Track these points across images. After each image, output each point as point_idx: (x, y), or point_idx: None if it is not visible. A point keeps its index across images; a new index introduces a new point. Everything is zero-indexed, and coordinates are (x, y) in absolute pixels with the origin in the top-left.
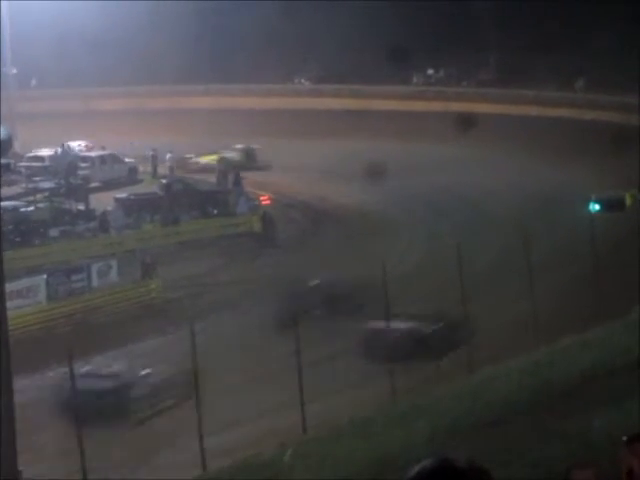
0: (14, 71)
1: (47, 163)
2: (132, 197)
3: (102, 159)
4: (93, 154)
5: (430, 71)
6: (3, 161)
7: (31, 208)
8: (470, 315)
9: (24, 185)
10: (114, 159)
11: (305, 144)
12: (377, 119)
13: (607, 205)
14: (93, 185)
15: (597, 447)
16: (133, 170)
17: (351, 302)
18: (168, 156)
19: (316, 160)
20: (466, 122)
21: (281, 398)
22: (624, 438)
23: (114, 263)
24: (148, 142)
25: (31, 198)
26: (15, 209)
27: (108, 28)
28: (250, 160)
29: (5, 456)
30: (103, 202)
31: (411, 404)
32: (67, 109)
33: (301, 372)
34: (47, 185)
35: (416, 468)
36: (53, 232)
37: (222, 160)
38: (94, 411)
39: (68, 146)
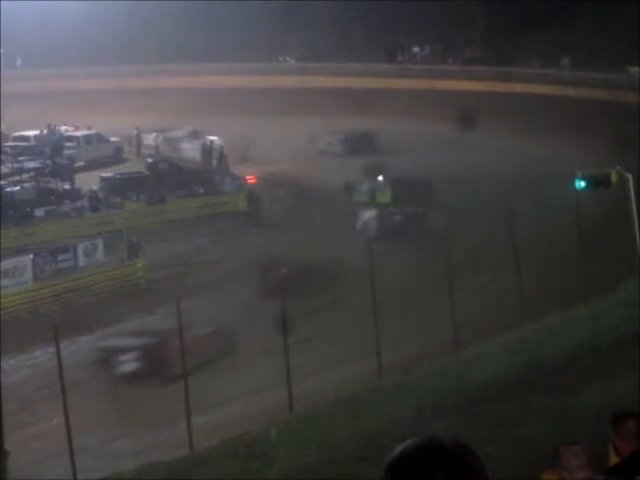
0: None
1: (33, 143)
2: (118, 176)
3: (87, 139)
4: (79, 134)
5: (415, 49)
6: None
7: (17, 188)
8: None
9: (10, 165)
10: (99, 138)
11: (291, 122)
12: (363, 97)
13: (593, 182)
14: (79, 165)
15: (584, 424)
16: (118, 149)
17: None
18: (153, 135)
19: (302, 138)
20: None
21: (268, 377)
22: (617, 413)
23: (100, 243)
24: (133, 121)
25: (17, 178)
26: (1, 189)
27: (93, 7)
28: None
29: None
30: (89, 182)
31: (398, 382)
32: (52, 89)
33: (287, 350)
34: (33, 165)
35: (402, 447)
36: (39, 212)
37: None
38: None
39: (54, 126)
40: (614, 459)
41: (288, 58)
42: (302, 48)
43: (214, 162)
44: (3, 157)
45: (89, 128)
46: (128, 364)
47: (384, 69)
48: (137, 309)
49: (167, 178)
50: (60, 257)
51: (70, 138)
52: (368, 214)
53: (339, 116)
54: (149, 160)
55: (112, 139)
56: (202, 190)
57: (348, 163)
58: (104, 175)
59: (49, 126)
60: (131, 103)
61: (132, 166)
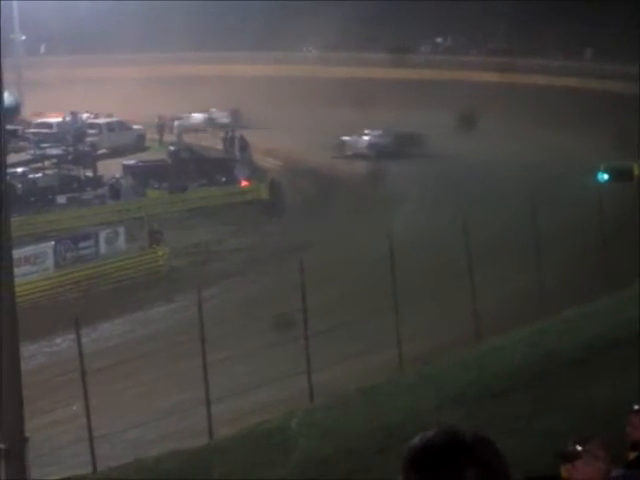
0: (22, 37)
1: (55, 130)
2: (140, 164)
3: (110, 126)
4: (101, 121)
5: (438, 39)
6: (11, 127)
7: (39, 175)
8: None
9: (32, 152)
10: (122, 126)
11: (314, 112)
12: (385, 87)
13: (615, 175)
14: (101, 152)
15: (601, 418)
16: (141, 137)
17: None
18: (176, 123)
19: (325, 128)
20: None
21: (288, 366)
22: (635, 407)
23: (122, 230)
24: (155, 109)
25: (39, 165)
26: (23, 175)
27: None
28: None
29: (11, 423)
30: (111, 169)
31: (418, 373)
32: (75, 76)
33: (308, 340)
34: (55, 152)
35: (422, 439)
36: (61, 199)
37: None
38: None
39: (76, 113)
40: (630, 453)
41: (311, 48)
42: (325, 38)
43: (237, 151)
44: (26, 144)
45: (111, 115)
46: None
47: (406, 60)
48: (158, 297)
49: (189, 166)
50: (81, 244)
51: (92, 125)
52: None
53: (361, 106)
54: (171, 148)
55: (134, 127)
56: (224, 179)
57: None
58: (126, 163)
59: (72, 113)
60: (153, 91)
61: (154, 154)
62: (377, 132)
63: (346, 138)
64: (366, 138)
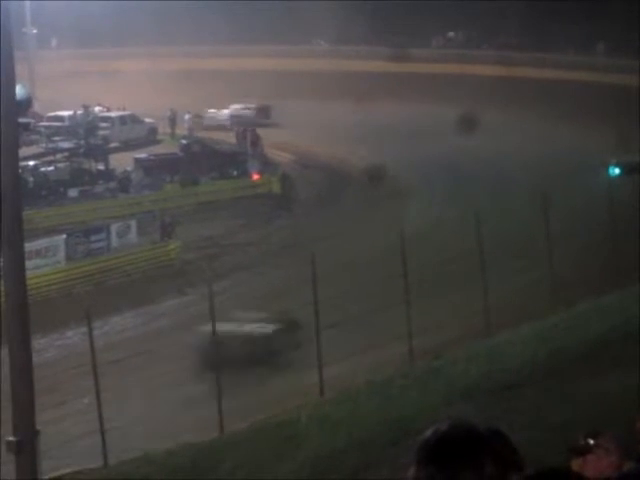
0: (34, 31)
1: (67, 123)
2: (152, 157)
3: (122, 119)
4: (113, 114)
5: (450, 34)
6: (23, 121)
7: (51, 168)
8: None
9: (44, 145)
10: (134, 119)
11: (324, 106)
12: (396, 81)
13: (627, 169)
14: (112, 145)
15: (612, 411)
16: (152, 130)
17: None
18: (187, 117)
19: (335, 122)
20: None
21: (298, 359)
22: None
23: (133, 223)
24: (167, 103)
25: (51, 158)
26: (35, 169)
27: None
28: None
29: (23, 416)
30: (122, 162)
31: (429, 367)
32: (87, 69)
33: (319, 334)
34: (67, 145)
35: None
36: (72, 192)
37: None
38: None
39: (88, 106)
40: None
41: (320, 41)
42: (335, 31)
43: (248, 144)
44: (37, 137)
45: (123, 109)
46: None
47: (417, 53)
48: (169, 290)
49: (200, 160)
50: (93, 238)
51: (104, 119)
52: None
53: (372, 100)
54: (183, 142)
55: (146, 120)
56: (235, 172)
57: (374, 145)
58: (138, 156)
59: (84, 107)
60: (165, 84)
61: (166, 147)
62: (237, 106)
63: (208, 111)
64: (226, 111)
